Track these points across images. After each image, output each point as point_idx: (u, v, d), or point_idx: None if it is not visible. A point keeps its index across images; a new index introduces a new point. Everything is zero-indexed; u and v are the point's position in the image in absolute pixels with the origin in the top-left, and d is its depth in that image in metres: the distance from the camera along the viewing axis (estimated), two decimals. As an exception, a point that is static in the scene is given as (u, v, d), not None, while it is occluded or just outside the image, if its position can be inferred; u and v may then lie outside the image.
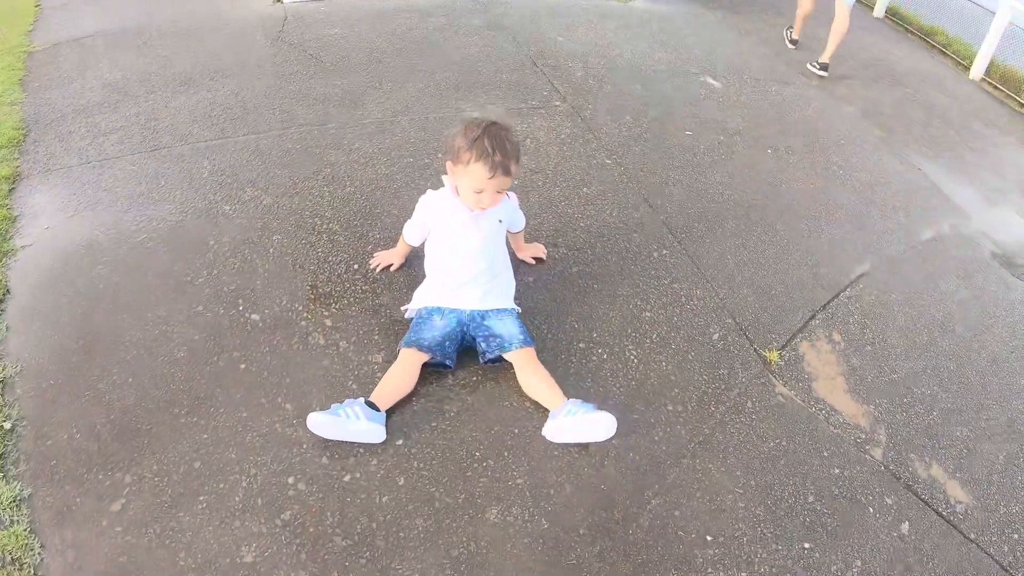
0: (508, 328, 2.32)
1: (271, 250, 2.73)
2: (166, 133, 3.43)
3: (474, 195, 2.24)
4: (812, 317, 2.87)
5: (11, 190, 3.00)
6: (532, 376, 2.25)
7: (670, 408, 2.33)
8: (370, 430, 2.06)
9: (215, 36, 4.63)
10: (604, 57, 4.82)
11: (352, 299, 2.55)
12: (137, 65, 4.15)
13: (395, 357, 2.27)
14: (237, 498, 1.94)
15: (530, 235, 2.84)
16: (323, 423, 2.04)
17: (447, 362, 2.29)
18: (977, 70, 6.50)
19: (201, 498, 1.93)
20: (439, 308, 2.34)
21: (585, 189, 3.24)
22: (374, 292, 2.58)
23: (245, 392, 2.20)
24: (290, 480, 1.98)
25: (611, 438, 2.15)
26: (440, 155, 3.28)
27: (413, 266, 2.66)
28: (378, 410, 2.10)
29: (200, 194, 3.00)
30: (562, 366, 2.33)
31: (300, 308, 2.50)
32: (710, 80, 4.80)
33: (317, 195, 3.03)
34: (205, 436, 2.07)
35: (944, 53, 7.04)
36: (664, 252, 2.96)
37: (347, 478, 2.00)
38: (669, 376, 2.44)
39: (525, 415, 2.22)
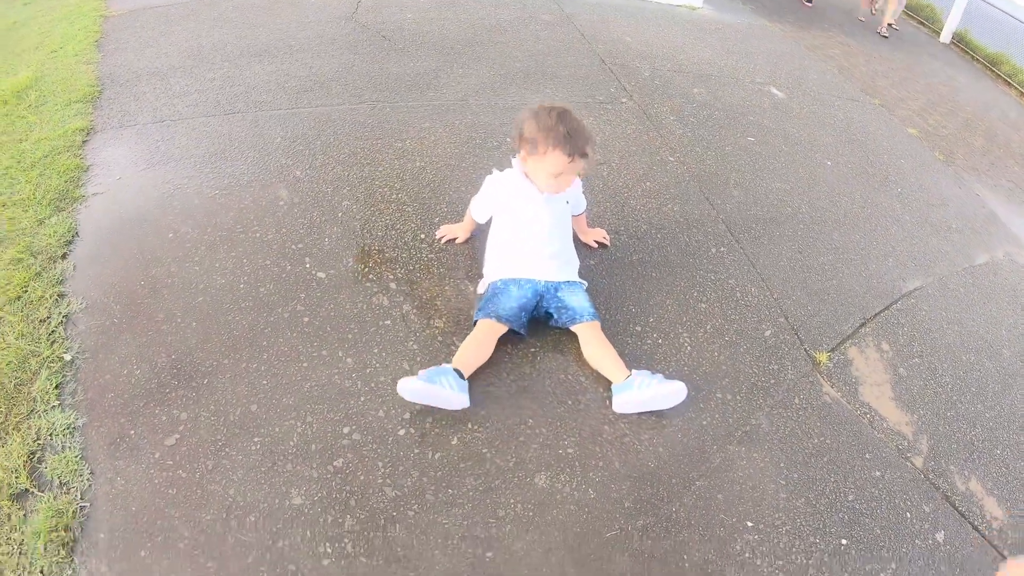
0: (579, 301, 2.33)
1: (340, 214, 2.74)
2: (240, 99, 3.44)
3: (552, 179, 2.26)
4: (863, 325, 2.82)
5: (84, 142, 3.04)
6: (599, 348, 2.26)
7: (719, 396, 2.31)
8: (458, 398, 2.06)
9: (291, 12, 4.64)
10: (671, 60, 4.79)
11: (417, 265, 2.57)
12: (213, 34, 4.15)
13: (457, 325, 2.29)
14: (291, 442, 1.95)
15: (593, 221, 2.84)
16: (418, 390, 2.02)
17: (521, 331, 2.29)
18: (1043, 102, 6.30)
19: (256, 439, 1.95)
20: (516, 279, 2.35)
21: (648, 183, 3.22)
22: (439, 261, 2.60)
23: (307, 344, 2.22)
24: (345, 430, 2.00)
25: (680, 403, 2.17)
26: (510, 140, 3.32)
27: (478, 240, 2.66)
28: (463, 378, 2.11)
29: (272, 158, 3.03)
30: (618, 346, 2.32)
31: (366, 270, 2.52)
32: (774, 90, 4.73)
33: (387, 168, 3.05)
34: (264, 382, 2.09)
35: (1008, 83, 6.84)
36: (722, 249, 2.93)
37: (401, 432, 2.01)
38: (720, 365, 2.41)
39: (580, 388, 2.22)
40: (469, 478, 1.93)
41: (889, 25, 6.30)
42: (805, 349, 2.59)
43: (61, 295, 2.30)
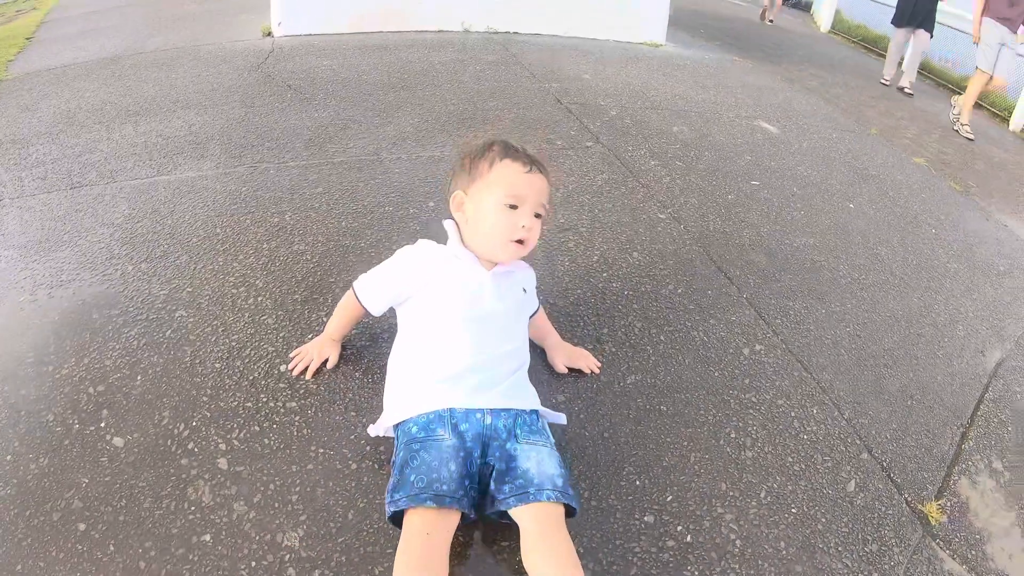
0: (543, 464, 1.29)
1: (168, 332, 1.72)
2: (95, 168, 2.56)
3: (508, 220, 1.41)
4: (964, 436, 1.84)
5: None
6: (552, 558, 1.19)
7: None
8: None
9: (189, 66, 3.82)
10: (640, 97, 3.87)
11: (269, 423, 1.51)
12: (98, 94, 3.42)
13: (330, 540, 1.22)
14: None
15: (561, 323, 1.81)
16: None
17: (472, 513, 1.27)
18: None
19: None
20: (446, 412, 1.33)
21: (635, 254, 2.21)
22: (306, 410, 1.54)
23: (69, 567, 1.17)
24: None
25: None
26: (433, 204, 2.30)
27: (367, 358, 1.65)
28: None
29: (102, 247, 2.05)
30: (614, 559, 1.28)
31: (186, 433, 1.47)
32: (765, 124, 3.83)
33: (251, 255, 2.01)
34: None
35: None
36: (757, 348, 1.91)
37: None
38: (792, 567, 1.38)
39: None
40: None
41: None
42: (907, 501, 1.59)
43: None
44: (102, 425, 1.48)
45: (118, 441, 1.46)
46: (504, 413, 1.35)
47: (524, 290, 1.57)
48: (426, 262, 1.49)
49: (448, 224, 1.52)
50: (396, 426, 1.38)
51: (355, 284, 1.56)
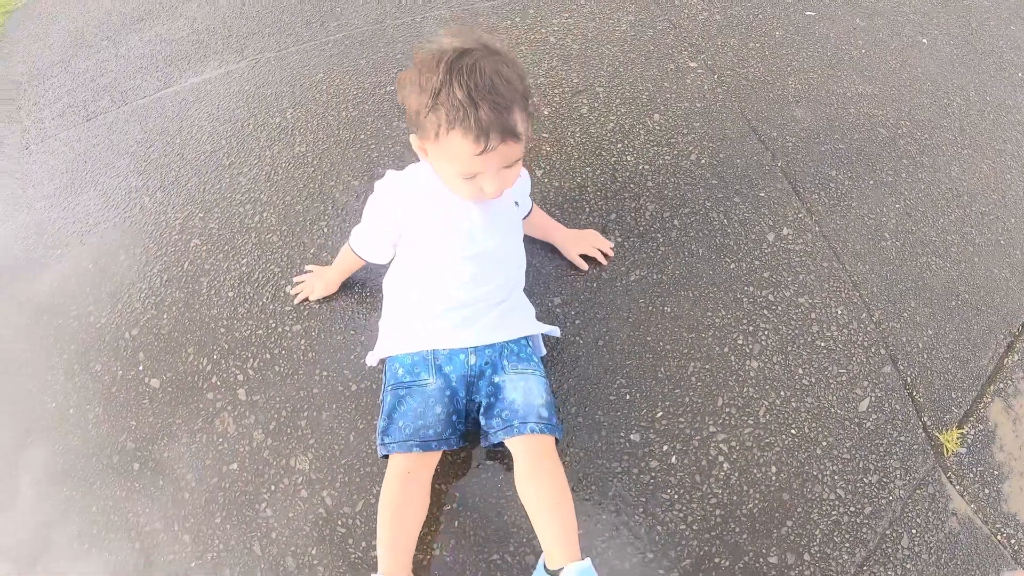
0: (529, 394, 1.25)
1: (185, 265, 1.72)
2: (106, 93, 2.35)
3: (469, 187, 1.19)
4: (1009, 348, 1.62)
5: None
6: (544, 488, 1.20)
7: (774, 562, 1.21)
8: None
9: None
10: None
11: (280, 350, 1.52)
12: (102, 4, 2.96)
13: (343, 461, 1.23)
14: None
15: (565, 210, 1.59)
16: None
17: (461, 443, 1.32)
18: None
19: None
20: (430, 354, 1.30)
21: (657, 116, 1.88)
22: (311, 332, 1.52)
23: (137, 510, 1.42)
24: None
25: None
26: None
27: (371, 280, 1.55)
28: None
29: (122, 180, 1.99)
30: (593, 480, 1.20)
31: (209, 368, 1.53)
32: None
33: (255, 164, 1.88)
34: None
35: None
36: (785, 232, 1.66)
37: None
38: (780, 495, 1.29)
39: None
40: None
41: None
42: (924, 426, 1.43)
43: None
44: (140, 368, 1.58)
45: (154, 383, 1.55)
46: (489, 349, 1.29)
47: (516, 203, 1.38)
48: (403, 202, 1.31)
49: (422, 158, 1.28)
50: (385, 359, 1.37)
51: (351, 238, 1.43)
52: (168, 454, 1.46)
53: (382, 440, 1.26)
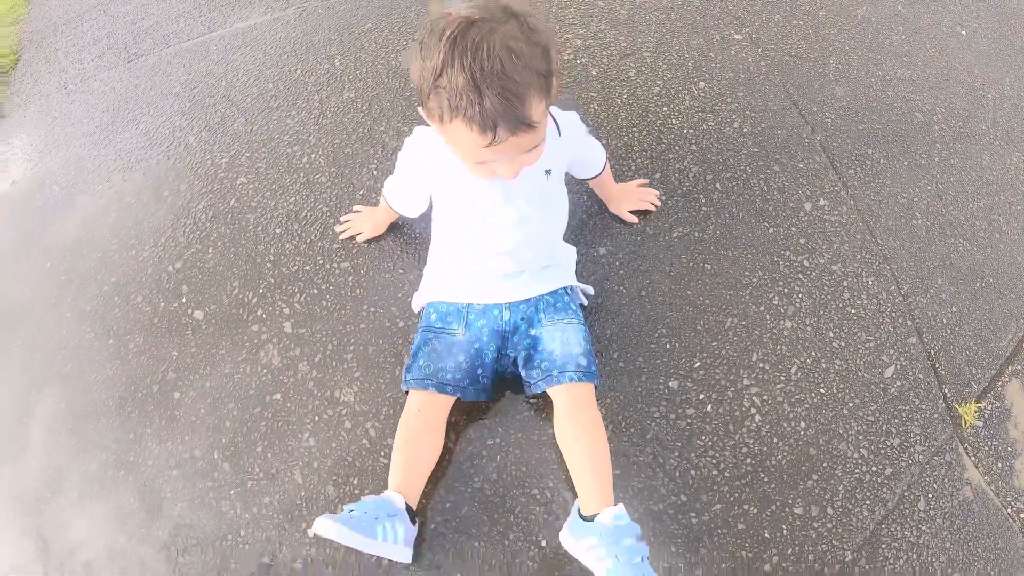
0: (567, 343, 1.27)
1: (231, 202, 1.73)
2: (148, 36, 2.33)
3: (479, 167, 1.12)
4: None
5: None
6: (582, 436, 1.23)
7: (799, 512, 1.25)
8: (397, 552, 1.19)
9: None
10: None
11: (327, 286, 1.54)
12: None
13: (380, 396, 1.31)
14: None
15: (612, 168, 1.61)
16: (343, 536, 1.12)
17: (482, 396, 1.33)
18: None
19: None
20: (459, 308, 1.32)
21: (702, 84, 1.90)
22: (360, 269, 1.54)
23: (176, 438, 1.45)
24: None
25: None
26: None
27: (419, 226, 1.57)
28: (412, 515, 1.22)
29: (166, 120, 1.98)
30: (632, 423, 1.24)
31: (255, 301, 1.55)
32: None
33: (303, 109, 1.88)
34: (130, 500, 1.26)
35: None
36: (821, 203, 1.69)
37: None
38: (807, 449, 1.33)
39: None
40: None
41: None
42: (945, 397, 1.48)
43: None
44: (183, 301, 1.58)
45: (198, 314, 1.55)
46: (524, 304, 1.30)
47: (547, 171, 1.29)
48: (429, 160, 1.27)
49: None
50: (424, 304, 1.39)
51: (384, 189, 1.43)
52: (210, 384, 1.48)
53: (404, 377, 1.30)
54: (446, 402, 1.29)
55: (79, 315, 1.64)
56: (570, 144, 1.32)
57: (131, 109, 2.07)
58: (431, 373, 1.27)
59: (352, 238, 1.58)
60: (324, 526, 1.11)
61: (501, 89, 0.95)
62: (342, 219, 1.62)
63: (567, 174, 1.43)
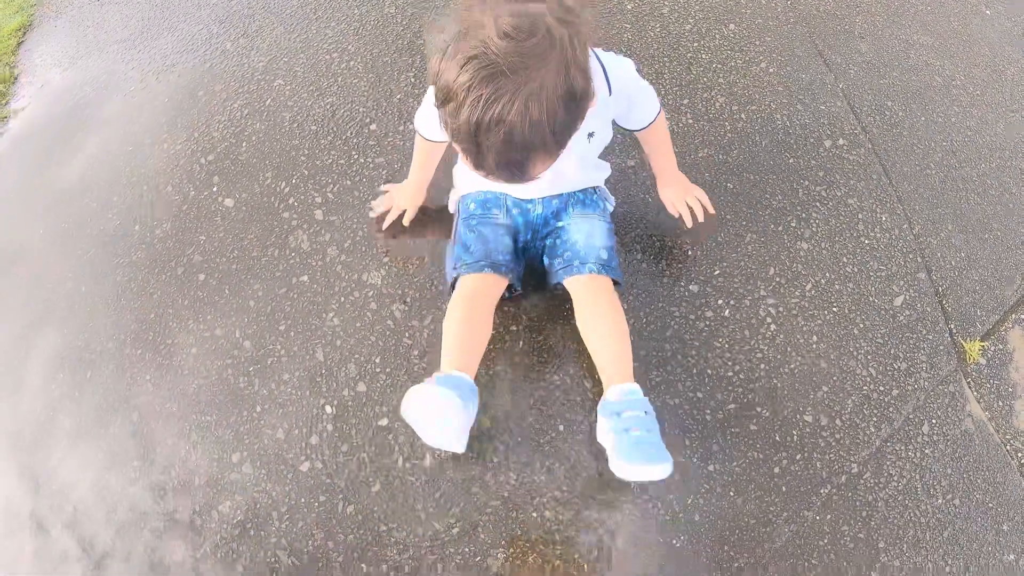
0: (591, 236, 1.28)
1: (267, 102, 1.76)
2: None
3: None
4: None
5: (20, 43, 2.23)
6: (598, 319, 1.25)
7: (808, 420, 1.29)
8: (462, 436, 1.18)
9: None
10: None
11: (358, 178, 1.58)
12: None
13: (413, 278, 1.35)
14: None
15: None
16: (446, 396, 1.11)
17: (518, 287, 1.34)
18: None
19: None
20: (502, 195, 1.33)
21: (732, 26, 1.94)
22: (392, 163, 1.57)
23: (198, 317, 1.47)
24: (234, 458, 1.25)
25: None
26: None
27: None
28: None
29: (202, 27, 1.99)
30: (653, 319, 1.28)
31: (286, 190, 1.58)
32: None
33: (343, 18, 1.91)
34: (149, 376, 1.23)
35: None
36: (840, 142, 1.73)
37: (305, 466, 1.23)
38: (818, 362, 1.37)
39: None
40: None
41: None
42: (951, 332, 1.52)
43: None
44: (214, 190, 1.60)
45: (228, 202, 1.58)
46: (556, 199, 1.32)
47: (590, 134, 1.21)
48: None
49: None
50: (459, 200, 1.40)
51: (415, 124, 1.36)
52: (236, 267, 1.50)
53: (455, 265, 1.29)
54: (499, 285, 1.29)
55: (103, 205, 1.65)
56: (621, 101, 1.22)
57: (167, 18, 2.08)
58: (484, 255, 1.27)
59: (391, 224, 1.49)
60: (424, 392, 1.09)
61: (501, 155, 0.89)
62: (371, 204, 1.53)
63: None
